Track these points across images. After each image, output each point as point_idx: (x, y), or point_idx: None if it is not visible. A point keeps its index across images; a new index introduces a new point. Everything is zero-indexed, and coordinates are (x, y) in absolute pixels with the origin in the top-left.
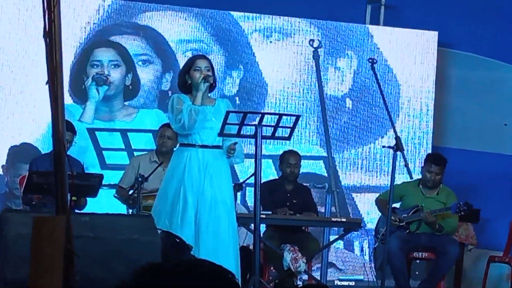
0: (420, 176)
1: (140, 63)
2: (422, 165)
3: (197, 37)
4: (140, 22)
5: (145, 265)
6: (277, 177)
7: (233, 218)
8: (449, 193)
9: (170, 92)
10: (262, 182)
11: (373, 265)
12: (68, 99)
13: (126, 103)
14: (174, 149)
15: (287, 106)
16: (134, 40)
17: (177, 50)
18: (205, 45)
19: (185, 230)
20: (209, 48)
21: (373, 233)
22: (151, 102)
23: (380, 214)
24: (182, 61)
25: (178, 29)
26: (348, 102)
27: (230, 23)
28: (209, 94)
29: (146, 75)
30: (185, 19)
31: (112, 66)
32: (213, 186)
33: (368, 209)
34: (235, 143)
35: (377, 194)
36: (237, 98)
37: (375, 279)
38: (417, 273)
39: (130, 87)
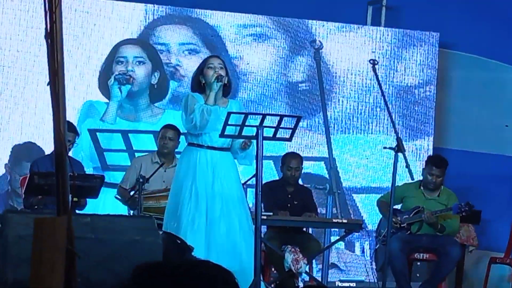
0: (421, 178)
1: (186, 52)
2: (423, 166)
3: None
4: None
5: (143, 265)
6: (278, 178)
7: (247, 215)
8: (450, 195)
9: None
10: (263, 183)
11: (374, 266)
12: (97, 96)
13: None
14: (176, 150)
15: (285, 106)
16: (180, 29)
17: (229, 39)
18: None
19: (196, 230)
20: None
21: (374, 235)
22: None
23: (381, 216)
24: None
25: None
26: (349, 103)
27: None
28: (224, 97)
29: (193, 63)
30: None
31: (137, 63)
32: (223, 185)
33: (369, 210)
34: (250, 142)
35: (378, 195)
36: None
37: (376, 280)
38: (418, 275)
39: (156, 86)
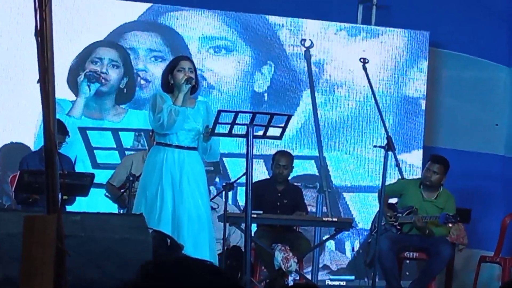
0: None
1: (152, 59)
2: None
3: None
4: (160, 21)
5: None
6: (268, 177)
7: (209, 215)
8: (449, 198)
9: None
10: (253, 182)
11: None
12: (63, 93)
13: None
14: None
15: (276, 105)
16: (149, 36)
17: (200, 47)
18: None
19: (163, 226)
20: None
21: (369, 229)
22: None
23: (378, 210)
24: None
25: (199, 28)
26: (340, 102)
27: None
28: (191, 95)
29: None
30: (207, 18)
31: (111, 66)
32: (190, 184)
33: (359, 209)
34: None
35: (369, 194)
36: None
37: (366, 279)
38: (407, 273)
39: (125, 90)
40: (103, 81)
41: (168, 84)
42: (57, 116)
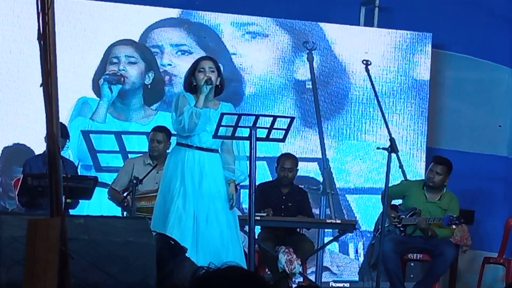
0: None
1: (179, 53)
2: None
3: None
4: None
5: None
6: (273, 179)
7: (234, 216)
8: (452, 199)
9: None
10: (258, 183)
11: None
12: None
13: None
14: (168, 151)
15: (280, 106)
16: (174, 32)
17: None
18: None
19: (183, 229)
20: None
21: (372, 231)
22: None
23: (381, 211)
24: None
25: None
26: (343, 104)
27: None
28: (215, 97)
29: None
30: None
31: (129, 63)
32: (211, 186)
33: (362, 211)
34: (233, 185)
35: (372, 196)
36: None
37: (370, 281)
38: (411, 276)
39: (150, 86)
40: (123, 79)
41: (191, 85)
42: (80, 120)
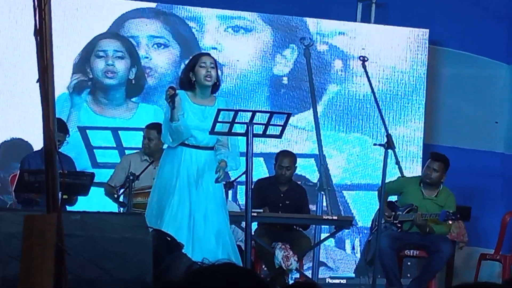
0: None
1: (155, 46)
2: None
3: None
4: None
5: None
6: (270, 175)
7: (226, 212)
8: (449, 196)
9: None
10: (256, 180)
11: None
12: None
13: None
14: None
15: (276, 103)
16: (151, 23)
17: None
18: None
19: (179, 227)
20: None
21: (369, 227)
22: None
23: (378, 208)
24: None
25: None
26: (339, 100)
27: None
28: (214, 95)
29: (162, 58)
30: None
31: (117, 57)
32: (208, 184)
33: (359, 207)
34: (224, 162)
35: (369, 192)
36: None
37: (366, 277)
38: (408, 275)
39: (133, 81)
40: (109, 74)
41: (190, 82)
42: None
